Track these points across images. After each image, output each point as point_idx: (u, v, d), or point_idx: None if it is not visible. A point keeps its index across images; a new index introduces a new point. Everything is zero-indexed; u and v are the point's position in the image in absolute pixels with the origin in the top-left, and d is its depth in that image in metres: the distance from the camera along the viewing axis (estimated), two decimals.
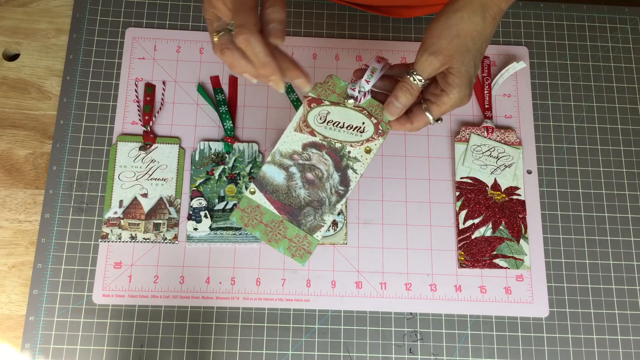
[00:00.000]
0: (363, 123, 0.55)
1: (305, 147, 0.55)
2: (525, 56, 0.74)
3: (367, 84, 0.54)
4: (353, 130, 0.55)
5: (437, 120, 0.54)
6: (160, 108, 0.70)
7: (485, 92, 0.72)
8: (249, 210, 0.55)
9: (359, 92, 0.55)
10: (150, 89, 0.70)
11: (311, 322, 0.64)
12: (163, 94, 0.70)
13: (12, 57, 0.72)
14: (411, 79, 0.51)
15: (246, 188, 0.66)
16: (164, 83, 0.71)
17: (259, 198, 0.55)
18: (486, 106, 0.71)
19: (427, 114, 0.53)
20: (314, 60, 0.73)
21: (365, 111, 0.56)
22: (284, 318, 0.64)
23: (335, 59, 0.73)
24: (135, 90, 0.70)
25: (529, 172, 0.70)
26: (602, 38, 0.76)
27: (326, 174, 0.55)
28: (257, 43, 0.45)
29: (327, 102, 0.56)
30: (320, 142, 0.55)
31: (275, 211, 0.55)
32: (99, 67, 0.71)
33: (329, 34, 0.75)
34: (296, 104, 0.70)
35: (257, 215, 0.55)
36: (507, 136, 0.70)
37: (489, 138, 0.70)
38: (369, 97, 0.56)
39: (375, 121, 0.55)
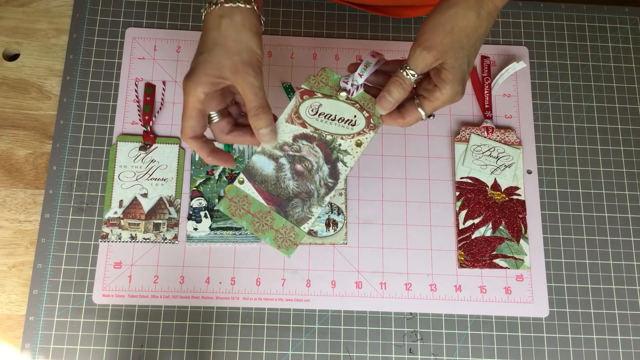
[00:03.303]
0: (355, 116, 0.55)
1: (296, 138, 0.55)
2: (525, 56, 0.74)
3: (360, 77, 0.54)
4: (344, 123, 0.55)
5: (429, 116, 0.54)
6: (160, 108, 0.70)
7: (485, 92, 0.72)
8: (237, 200, 0.55)
9: (352, 85, 0.55)
10: (150, 89, 0.70)
11: (311, 322, 0.64)
12: (163, 94, 0.70)
13: (12, 57, 0.72)
14: (404, 73, 0.51)
15: None
16: (164, 83, 0.71)
17: (248, 188, 0.55)
18: (486, 106, 0.71)
19: (420, 109, 0.53)
20: (314, 60, 0.73)
21: (357, 104, 0.55)
22: (284, 318, 0.64)
23: (335, 59, 0.73)
24: (135, 90, 0.70)
25: (529, 172, 0.70)
26: (602, 38, 0.76)
27: (316, 166, 0.55)
28: (193, 146, 0.53)
29: (319, 95, 0.56)
30: (311, 134, 0.55)
31: (263, 201, 0.55)
32: (99, 67, 0.71)
33: (329, 34, 0.75)
34: None
35: (244, 205, 0.55)
36: (507, 136, 0.70)
37: (489, 138, 0.70)
38: (361, 90, 0.56)
39: (367, 115, 0.55)
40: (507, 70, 0.71)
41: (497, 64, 0.74)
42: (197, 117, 0.51)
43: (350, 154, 0.55)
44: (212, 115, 0.53)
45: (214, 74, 0.50)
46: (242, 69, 0.50)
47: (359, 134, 0.55)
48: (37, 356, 0.61)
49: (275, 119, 0.55)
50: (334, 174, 0.55)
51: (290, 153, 0.55)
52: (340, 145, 0.55)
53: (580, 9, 0.77)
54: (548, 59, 0.75)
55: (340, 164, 0.55)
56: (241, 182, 0.55)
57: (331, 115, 0.55)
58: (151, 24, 0.73)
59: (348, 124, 0.55)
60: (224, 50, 0.50)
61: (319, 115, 0.55)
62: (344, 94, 0.55)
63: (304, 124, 0.55)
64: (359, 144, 0.55)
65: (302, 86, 0.56)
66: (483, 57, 0.74)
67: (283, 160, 0.55)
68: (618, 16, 0.77)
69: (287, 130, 0.55)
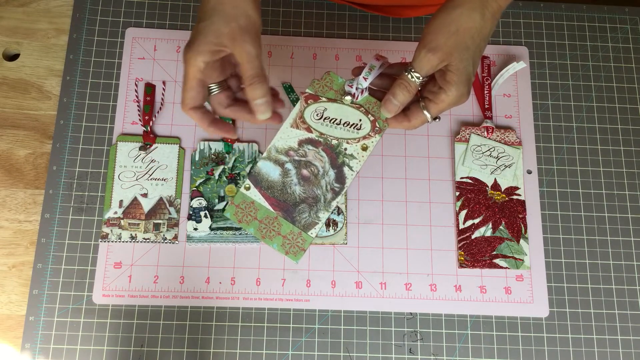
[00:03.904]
0: (360, 120, 0.55)
1: (301, 143, 0.55)
2: (525, 56, 0.74)
3: (364, 81, 0.54)
4: (350, 127, 0.55)
5: (434, 119, 0.54)
6: (160, 108, 0.70)
7: (485, 92, 0.72)
8: (244, 206, 0.55)
9: (357, 89, 0.55)
10: (150, 89, 0.70)
11: (311, 322, 0.64)
12: (163, 94, 0.70)
13: (12, 57, 0.72)
14: (409, 76, 0.51)
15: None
16: (164, 83, 0.71)
17: (254, 194, 0.55)
18: (486, 106, 0.71)
19: (425, 112, 0.53)
20: (314, 60, 0.73)
21: (362, 108, 0.55)
22: (284, 318, 0.64)
23: (335, 59, 0.73)
24: (135, 90, 0.70)
25: (529, 172, 0.70)
26: (602, 38, 0.76)
27: (322, 171, 0.55)
28: (193, 117, 0.53)
29: (324, 99, 0.56)
30: (316, 138, 0.55)
31: (269, 207, 0.55)
32: (99, 67, 0.71)
33: (329, 34, 0.75)
34: (296, 104, 0.70)
35: (251, 212, 0.55)
36: (507, 136, 0.70)
37: (489, 138, 0.70)
38: (366, 94, 0.55)
39: (372, 118, 0.55)
40: (507, 70, 0.71)
41: (497, 64, 0.74)
42: (198, 87, 0.51)
43: (356, 158, 0.55)
44: (211, 88, 0.53)
45: (214, 42, 0.49)
46: (240, 36, 0.49)
47: (364, 137, 0.55)
48: (37, 356, 0.61)
49: (275, 92, 0.54)
50: (340, 178, 0.55)
51: (296, 158, 0.55)
52: (346, 149, 0.55)
53: (580, 9, 0.77)
54: (548, 59, 0.75)
55: (346, 169, 0.55)
56: (247, 189, 0.55)
57: (336, 119, 0.55)
58: (151, 24, 0.73)
59: (353, 128, 0.55)
60: (222, 16, 0.49)
61: (324, 120, 0.55)
62: (348, 97, 0.55)
63: (309, 129, 0.55)
64: (364, 148, 0.55)
65: (307, 90, 0.56)
66: (483, 57, 0.74)
67: (289, 166, 0.55)
68: (618, 16, 0.77)
69: (292, 135, 0.55)
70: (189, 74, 0.50)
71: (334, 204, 0.54)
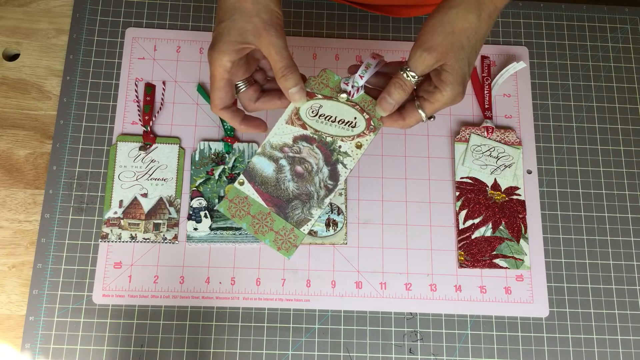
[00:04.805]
0: (355, 118, 0.55)
1: (296, 139, 0.55)
2: (525, 56, 0.74)
3: (360, 79, 0.54)
4: (344, 124, 0.55)
5: (429, 118, 0.54)
6: (160, 108, 0.70)
7: (485, 92, 0.72)
8: (237, 201, 0.55)
9: (352, 86, 0.55)
10: (150, 89, 0.70)
11: (311, 322, 0.64)
12: (163, 94, 0.70)
13: (12, 57, 0.72)
14: (405, 75, 0.51)
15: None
16: (164, 83, 0.71)
17: (248, 189, 0.55)
18: (486, 106, 0.71)
19: (420, 111, 0.53)
20: (314, 60, 0.73)
21: (357, 106, 0.55)
22: (284, 318, 0.64)
23: (335, 59, 0.73)
24: (135, 90, 0.70)
25: (529, 172, 0.70)
26: (602, 38, 0.76)
27: (316, 168, 0.55)
28: (224, 117, 0.55)
29: (319, 96, 0.56)
30: (311, 135, 0.55)
31: (263, 203, 0.55)
32: (99, 67, 0.71)
33: (329, 34, 0.75)
34: None
35: (244, 207, 0.55)
36: (507, 136, 0.70)
37: (489, 138, 0.70)
38: (362, 92, 0.55)
39: (367, 117, 0.55)
40: (507, 70, 0.71)
41: (497, 64, 0.74)
42: (226, 87, 0.52)
43: (350, 155, 0.55)
44: (239, 85, 0.54)
45: (238, 40, 0.50)
46: (264, 30, 0.50)
47: (359, 135, 0.55)
48: (37, 356, 0.61)
49: (303, 78, 0.55)
50: (334, 175, 0.55)
51: (290, 154, 0.55)
52: (340, 147, 0.55)
53: (580, 9, 0.77)
54: (548, 59, 0.75)
55: (340, 166, 0.55)
56: (241, 184, 0.55)
57: (331, 116, 0.55)
58: (151, 24, 0.73)
59: (348, 125, 0.55)
60: (244, 14, 0.50)
61: (319, 117, 0.55)
62: (344, 95, 0.55)
63: (304, 126, 0.55)
64: (359, 146, 0.55)
65: None
66: (483, 57, 0.74)
67: (283, 162, 0.55)
68: (618, 16, 0.77)
69: (287, 132, 0.55)
70: (216, 75, 0.51)
71: (327, 200, 0.55)
